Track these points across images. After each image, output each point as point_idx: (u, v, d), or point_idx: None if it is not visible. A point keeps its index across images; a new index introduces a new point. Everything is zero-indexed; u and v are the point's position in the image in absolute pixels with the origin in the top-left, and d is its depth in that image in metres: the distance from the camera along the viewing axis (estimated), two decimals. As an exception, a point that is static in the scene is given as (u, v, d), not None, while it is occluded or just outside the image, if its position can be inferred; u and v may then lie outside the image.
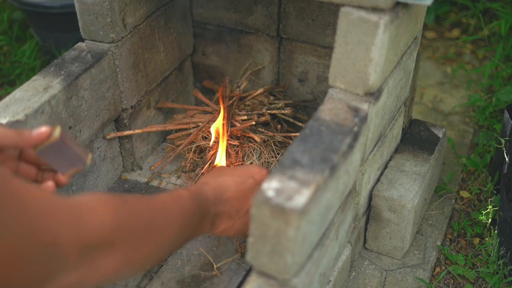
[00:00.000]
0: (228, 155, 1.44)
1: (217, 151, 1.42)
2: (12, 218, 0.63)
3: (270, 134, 1.50)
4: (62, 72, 1.24)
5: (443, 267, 1.39)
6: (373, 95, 1.08)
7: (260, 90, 1.55)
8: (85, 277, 0.73)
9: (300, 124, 1.54)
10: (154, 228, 0.87)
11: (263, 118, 1.48)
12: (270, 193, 0.87)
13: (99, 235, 0.74)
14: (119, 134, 1.43)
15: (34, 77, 1.22)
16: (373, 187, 1.31)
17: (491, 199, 1.52)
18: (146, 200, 0.90)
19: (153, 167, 1.50)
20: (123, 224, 0.79)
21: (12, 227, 0.63)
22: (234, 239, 1.30)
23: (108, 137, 1.41)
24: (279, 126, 1.51)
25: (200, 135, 1.50)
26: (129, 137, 1.46)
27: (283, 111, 1.52)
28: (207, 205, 1.01)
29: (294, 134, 1.50)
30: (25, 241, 0.64)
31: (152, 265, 0.89)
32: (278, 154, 1.46)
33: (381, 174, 1.34)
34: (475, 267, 1.40)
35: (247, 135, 1.45)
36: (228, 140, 1.44)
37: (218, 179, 1.08)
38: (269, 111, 1.51)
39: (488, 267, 1.38)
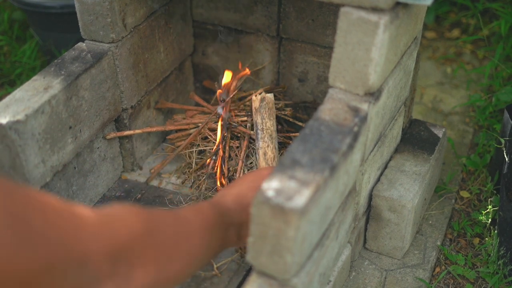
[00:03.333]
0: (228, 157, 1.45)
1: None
2: (39, 233, 0.62)
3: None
4: (62, 72, 1.24)
5: (443, 267, 1.39)
6: (373, 95, 1.08)
7: (260, 90, 1.55)
8: None
9: (300, 123, 1.54)
10: (182, 239, 0.87)
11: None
12: (270, 193, 0.87)
13: (130, 244, 0.74)
14: (119, 134, 1.43)
15: (34, 77, 1.22)
16: (373, 187, 1.31)
17: (491, 199, 1.52)
18: (170, 212, 0.90)
19: (153, 170, 1.50)
20: (152, 234, 0.79)
21: (39, 242, 0.62)
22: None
23: (108, 137, 1.41)
24: (279, 127, 1.51)
25: (200, 136, 1.50)
26: (129, 137, 1.46)
27: (283, 112, 1.52)
28: (230, 215, 1.01)
29: (294, 134, 1.51)
30: (55, 256, 0.63)
31: (183, 280, 0.89)
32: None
33: (381, 174, 1.35)
34: (475, 267, 1.40)
35: (243, 130, 1.45)
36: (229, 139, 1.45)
37: (234, 189, 1.08)
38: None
39: (488, 267, 1.38)
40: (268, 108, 1.41)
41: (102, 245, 0.70)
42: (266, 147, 1.36)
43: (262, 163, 1.35)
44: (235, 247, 1.28)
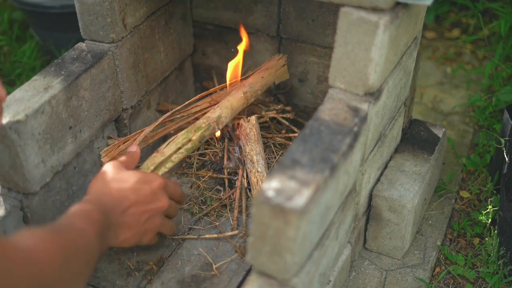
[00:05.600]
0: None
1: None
2: None
3: (269, 135, 1.50)
4: (62, 72, 1.24)
5: (443, 267, 1.39)
6: (373, 95, 1.08)
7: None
8: None
9: (297, 131, 1.54)
10: (86, 254, 0.91)
11: (261, 119, 1.49)
12: (270, 193, 0.87)
13: (51, 274, 0.78)
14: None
15: (34, 77, 1.22)
16: (373, 187, 1.31)
17: (491, 199, 1.52)
18: (72, 227, 0.92)
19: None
20: (68, 261, 0.83)
21: None
22: (233, 242, 1.30)
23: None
24: (283, 131, 1.51)
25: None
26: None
27: (283, 115, 1.52)
28: (110, 218, 1.02)
29: (292, 134, 1.51)
30: None
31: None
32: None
33: (381, 174, 1.35)
34: (475, 267, 1.40)
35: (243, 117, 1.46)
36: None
37: (116, 188, 1.08)
38: (268, 113, 1.52)
39: (488, 267, 1.38)
40: (246, 134, 1.41)
41: (27, 280, 0.73)
42: (249, 172, 1.37)
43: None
44: (235, 248, 1.28)
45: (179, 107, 1.43)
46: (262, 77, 1.46)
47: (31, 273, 0.74)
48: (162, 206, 1.13)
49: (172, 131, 1.42)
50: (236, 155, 1.44)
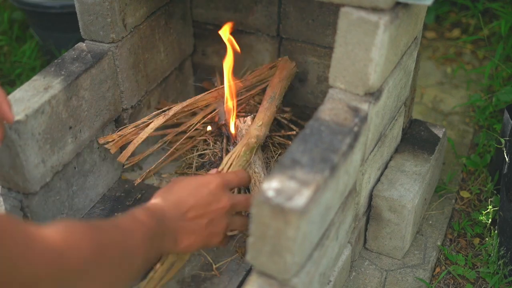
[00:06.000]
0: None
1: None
2: None
3: (268, 134, 1.50)
4: (62, 72, 1.24)
5: (443, 267, 1.39)
6: (373, 95, 1.08)
7: (257, 89, 1.55)
8: None
9: (295, 129, 1.54)
10: (127, 254, 0.87)
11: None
12: (270, 193, 0.87)
13: (76, 262, 0.74)
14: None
15: (34, 77, 1.22)
16: (373, 187, 1.31)
17: (491, 199, 1.52)
18: (115, 226, 0.89)
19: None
20: (99, 253, 0.79)
21: None
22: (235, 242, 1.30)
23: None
24: (282, 131, 1.51)
25: (200, 137, 1.51)
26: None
27: (281, 115, 1.52)
28: (166, 223, 0.99)
29: (291, 132, 1.50)
30: (7, 280, 0.64)
31: None
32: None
33: (381, 174, 1.34)
34: (475, 267, 1.40)
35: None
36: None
37: (172, 195, 1.05)
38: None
39: (488, 267, 1.38)
40: (242, 135, 1.41)
41: (51, 269, 0.69)
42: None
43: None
44: (235, 248, 1.28)
45: (187, 102, 1.44)
46: (279, 81, 1.48)
47: (56, 263, 0.70)
48: (223, 206, 1.07)
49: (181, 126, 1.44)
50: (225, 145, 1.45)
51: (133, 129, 1.40)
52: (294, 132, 1.49)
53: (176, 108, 1.43)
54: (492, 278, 1.35)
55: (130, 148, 1.39)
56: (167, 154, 1.46)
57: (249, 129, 1.38)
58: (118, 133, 1.40)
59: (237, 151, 1.31)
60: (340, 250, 1.21)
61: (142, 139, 1.39)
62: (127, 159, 1.41)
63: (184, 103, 1.44)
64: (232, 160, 1.30)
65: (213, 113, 1.48)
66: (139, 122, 1.42)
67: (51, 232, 0.74)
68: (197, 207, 1.04)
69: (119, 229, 0.88)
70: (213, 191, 1.07)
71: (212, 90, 1.49)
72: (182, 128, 1.47)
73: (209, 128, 1.49)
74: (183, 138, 1.48)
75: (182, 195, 1.05)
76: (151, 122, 1.41)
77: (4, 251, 0.64)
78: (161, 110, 1.44)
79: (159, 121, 1.40)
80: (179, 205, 1.03)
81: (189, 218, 1.03)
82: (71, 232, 0.76)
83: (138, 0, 1.36)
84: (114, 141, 1.38)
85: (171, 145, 1.50)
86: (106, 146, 1.38)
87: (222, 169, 1.27)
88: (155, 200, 1.04)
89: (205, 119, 1.49)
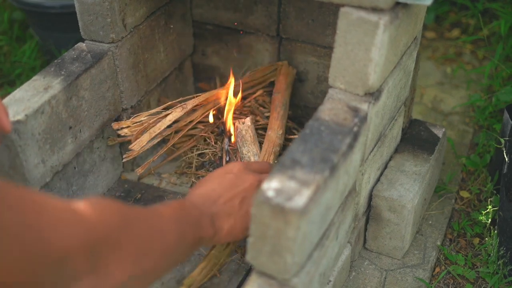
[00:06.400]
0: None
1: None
2: (14, 233, 0.61)
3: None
4: (62, 72, 1.24)
5: (443, 267, 1.39)
6: (373, 95, 1.08)
7: (259, 92, 1.55)
8: (98, 285, 0.72)
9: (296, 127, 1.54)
10: (156, 233, 0.87)
11: (261, 122, 1.50)
12: (270, 193, 0.87)
13: (106, 238, 0.74)
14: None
15: (34, 77, 1.22)
16: (373, 187, 1.31)
17: (491, 199, 1.52)
18: (144, 207, 0.91)
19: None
20: (128, 228, 0.79)
21: (13, 242, 0.61)
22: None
23: (110, 143, 1.41)
24: (281, 131, 1.52)
25: (201, 137, 1.51)
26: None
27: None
28: (198, 209, 1.01)
29: (293, 136, 1.51)
30: (31, 255, 0.63)
31: (159, 276, 0.89)
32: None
33: (381, 174, 1.35)
34: (475, 267, 1.40)
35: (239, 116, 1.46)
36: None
37: (201, 188, 1.09)
38: (266, 115, 1.52)
39: (488, 267, 1.38)
40: (242, 136, 1.41)
41: (80, 241, 0.69)
42: None
43: None
44: (235, 248, 1.28)
45: (203, 96, 1.45)
46: (286, 88, 1.49)
47: (87, 236, 0.70)
48: (251, 184, 1.10)
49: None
50: (225, 146, 1.45)
51: (148, 117, 1.39)
52: (296, 136, 1.50)
53: (193, 101, 1.43)
54: (492, 278, 1.35)
55: (146, 138, 1.37)
56: (167, 145, 1.45)
57: (271, 136, 1.39)
58: (133, 119, 1.39)
59: (266, 159, 1.34)
60: (340, 250, 1.21)
61: (159, 130, 1.38)
62: (127, 156, 1.40)
63: (201, 97, 1.44)
64: None
65: (213, 109, 1.49)
66: (153, 111, 1.42)
67: (82, 206, 0.74)
68: (226, 191, 1.08)
69: (148, 210, 0.90)
70: (237, 174, 1.11)
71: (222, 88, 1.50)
72: (182, 123, 1.47)
73: (211, 118, 1.49)
74: (186, 131, 1.47)
75: (209, 186, 1.09)
76: (169, 114, 1.40)
77: (35, 223, 0.64)
78: (165, 105, 1.44)
79: (177, 113, 1.40)
80: (208, 195, 1.06)
81: (221, 203, 1.06)
82: (102, 206, 0.77)
83: (138, 0, 1.36)
84: (129, 127, 1.38)
85: (173, 143, 1.51)
86: (119, 132, 1.38)
87: None
88: (188, 195, 1.08)
89: (204, 115, 1.49)
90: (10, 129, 0.98)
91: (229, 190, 1.08)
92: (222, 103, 1.48)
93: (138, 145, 1.37)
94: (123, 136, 1.40)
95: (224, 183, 1.09)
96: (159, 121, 1.38)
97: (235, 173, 1.11)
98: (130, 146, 1.38)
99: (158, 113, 1.41)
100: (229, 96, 1.47)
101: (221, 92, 1.48)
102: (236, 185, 1.09)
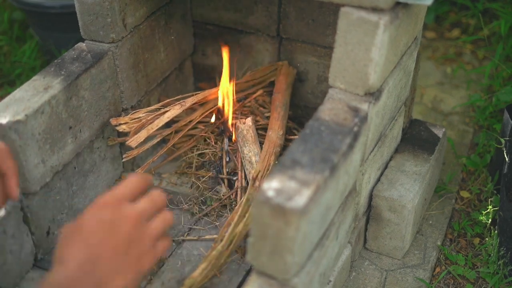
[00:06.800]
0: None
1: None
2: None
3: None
4: (62, 72, 1.24)
5: (443, 267, 1.39)
6: (373, 95, 1.08)
7: (259, 92, 1.55)
8: None
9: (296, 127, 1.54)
10: None
11: (261, 122, 1.50)
12: (270, 193, 0.87)
13: None
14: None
15: (34, 77, 1.22)
16: (373, 187, 1.31)
17: (491, 199, 1.52)
18: None
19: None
20: None
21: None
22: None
23: (110, 143, 1.41)
24: (281, 132, 1.52)
25: (201, 137, 1.51)
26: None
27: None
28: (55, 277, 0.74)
29: (293, 137, 1.51)
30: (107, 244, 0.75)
31: None
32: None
33: (381, 174, 1.34)
34: (475, 267, 1.40)
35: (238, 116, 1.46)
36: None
37: (84, 246, 0.77)
38: (267, 115, 1.52)
39: (488, 267, 1.38)
40: (243, 136, 1.42)
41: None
42: (248, 173, 1.39)
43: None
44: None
45: (201, 94, 1.45)
46: (287, 88, 1.50)
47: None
48: (144, 244, 0.80)
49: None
50: (225, 146, 1.45)
51: (146, 114, 1.39)
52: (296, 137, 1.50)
53: (192, 99, 1.43)
54: (492, 278, 1.35)
55: (143, 134, 1.37)
56: (167, 145, 1.45)
57: (271, 137, 1.39)
58: (131, 115, 1.39)
59: (267, 160, 1.34)
60: (340, 250, 1.21)
61: (157, 127, 1.38)
62: (127, 156, 1.40)
63: (200, 95, 1.44)
64: (266, 169, 1.33)
65: (212, 109, 1.49)
66: (151, 107, 1.41)
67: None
68: (116, 255, 0.79)
69: None
70: (130, 231, 0.80)
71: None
72: (182, 123, 1.47)
73: (213, 119, 1.49)
74: (186, 131, 1.47)
75: (92, 246, 0.78)
76: (167, 111, 1.40)
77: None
78: (163, 102, 1.44)
79: (175, 110, 1.40)
80: (58, 258, 0.77)
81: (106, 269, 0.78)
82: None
83: (138, 0, 1.36)
84: (127, 123, 1.37)
85: (173, 143, 1.51)
86: (117, 128, 1.37)
87: (257, 175, 1.29)
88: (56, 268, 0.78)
89: (203, 115, 1.49)
90: (18, 198, 0.96)
91: (120, 256, 0.77)
92: (220, 103, 1.48)
93: (135, 141, 1.36)
94: (123, 136, 1.39)
95: (112, 246, 0.77)
96: (157, 118, 1.38)
97: (126, 231, 0.78)
98: (127, 142, 1.37)
99: (156, 110, 1.41)
100: (228, 96, 1.47)
101: (219, 91, 1.49)
102: (129, 246, 0.78)
